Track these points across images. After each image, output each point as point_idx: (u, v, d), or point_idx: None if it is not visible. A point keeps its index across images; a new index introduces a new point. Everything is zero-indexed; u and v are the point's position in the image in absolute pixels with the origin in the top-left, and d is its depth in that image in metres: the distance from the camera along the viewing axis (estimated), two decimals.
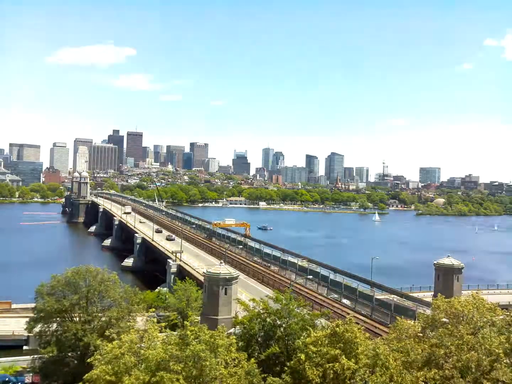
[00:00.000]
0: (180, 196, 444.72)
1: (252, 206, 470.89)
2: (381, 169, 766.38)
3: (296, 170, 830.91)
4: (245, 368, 28.66)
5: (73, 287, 44.68)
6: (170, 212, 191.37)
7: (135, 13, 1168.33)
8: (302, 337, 33.18)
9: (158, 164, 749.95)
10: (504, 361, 27.05)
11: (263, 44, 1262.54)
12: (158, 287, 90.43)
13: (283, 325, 35.50)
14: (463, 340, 28.51)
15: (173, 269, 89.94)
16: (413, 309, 52.23)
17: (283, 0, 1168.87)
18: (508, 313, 33.23)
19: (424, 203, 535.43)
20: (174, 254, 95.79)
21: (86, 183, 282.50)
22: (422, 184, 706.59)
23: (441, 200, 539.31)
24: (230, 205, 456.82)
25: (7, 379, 49.42)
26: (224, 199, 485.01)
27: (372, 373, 26.56)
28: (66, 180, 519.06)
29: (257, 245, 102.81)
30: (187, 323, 30.13)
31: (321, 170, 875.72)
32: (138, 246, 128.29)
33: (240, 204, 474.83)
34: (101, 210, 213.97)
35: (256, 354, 34.08)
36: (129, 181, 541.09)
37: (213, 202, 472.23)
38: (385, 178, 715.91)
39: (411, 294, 70.98)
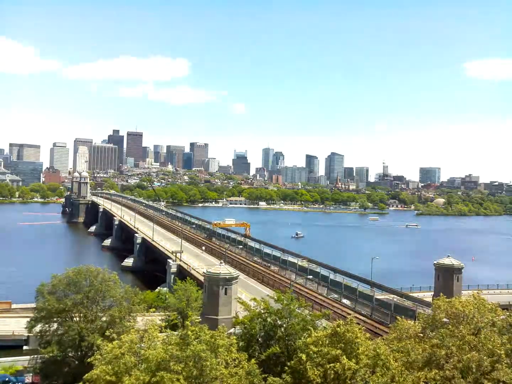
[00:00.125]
0: (180, 196, 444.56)
1: (252, 206, 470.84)
2: (381, 169, 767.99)
3: (296, 170, 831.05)
4: (246, 368, 28.64)
5: (74, 287, 44.71)
6: (170, 212, 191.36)
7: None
8: (303, 337, 33.15)
9: (158, 164, 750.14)
10: (505, 361, 27.02)
11: (263, 44, 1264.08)
12: (158, 287, 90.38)
13: (284, 325, 35.46)
14: (464, 340, 28.49)
15: (173, 269, 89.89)
16: (413, 309, 52.21)
17: (283, 0, 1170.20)
18: (509, 313, 33.20)
19: (424, 203, 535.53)
20: (174, 254, 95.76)
21: (86, 183, 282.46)
22: (422, 184, 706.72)
23: (441, 200, 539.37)
24: (230, 205, 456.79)
25: (7, 379, 49.38)
26: (224, 199, 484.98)
27: (372, 373, 26.55)
28: (66, 180, 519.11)
29: (257, 245, 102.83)
30: (188, 323, 30.11)
31: (321, 170, 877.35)
32: (138, 246, 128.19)
33: (240, 204, 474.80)
34: (101, 210, 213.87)
35: (257, 354, 34.05)
36: (129, 181, 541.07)
37: (213, 202, 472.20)
38: (385, 178, 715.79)
39: (411, 294, 70.95)
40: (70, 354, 43.69)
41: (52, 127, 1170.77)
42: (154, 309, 56.01)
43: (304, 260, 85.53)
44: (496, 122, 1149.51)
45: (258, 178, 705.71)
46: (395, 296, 62.66)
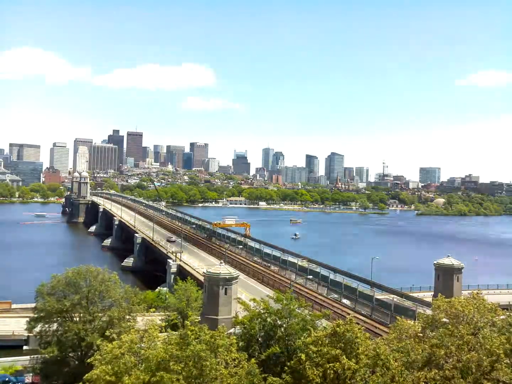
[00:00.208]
0: (180, 196, 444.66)
1: (252, 206, 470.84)
2: (381, 169, 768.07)
3: (296, 170, 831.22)
4: (246, 368, 28.64)
5: (74, 287, 44.70)
6: (170, 212, 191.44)
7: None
8: (302, 337, 33.15)
9: (158, 164, 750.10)
10: (505, 361, 26.99)
11: (263, 44, 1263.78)
12: (158, 287, 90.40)
13: (284, 325, 35.45)
14: (463, 340, 28.49)
15: (173, 269, 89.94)
16: (413, 309, 52.21)
17: (283, 0, 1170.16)
18: (509, 313, 33.20)
19: (424, 203, 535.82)
20: (174, 254, 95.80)
21: (86, 183, 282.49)
22: (422, 184, 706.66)
23: (441, 200, 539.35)
24: (230, 205, 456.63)
25: (7, 379, 49.41)
26: (224, 199, 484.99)
27: (372, 373, 26.56)
28: (66, 180, 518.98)
29: (257, 245, 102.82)
30: (188, 322, 30.11)
31: (321, 170, 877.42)
32: (138, 246, 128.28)
33: (240, 204, 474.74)
34: (101, 210, 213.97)
35: (257, 354, 34.05)
36: (129, 181, 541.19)
37: (213, 202, 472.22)
38: (385, 178, 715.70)
39: (411, 294, 70.90)
40: (70, 354, 43.71)
41: (52, 127, 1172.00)
42: (154, 309, 55.97)
43: (304, 260, 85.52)
44: (496, 122, 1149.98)
45: (258, 178, 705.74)
46: (395, 296, 62.61)
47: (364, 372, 26.30)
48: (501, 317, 32.37)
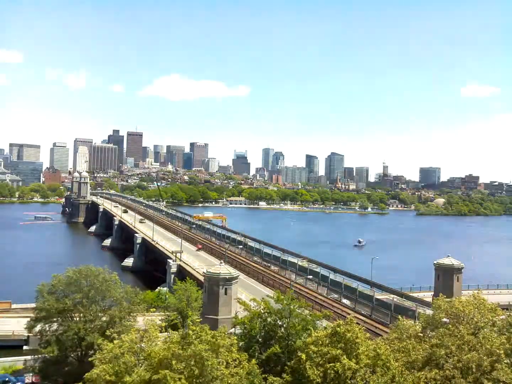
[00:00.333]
0: (180, 196, 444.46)
1: (252, 206, 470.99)
2: (381, 169, 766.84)
3: (296, 170, 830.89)
4: (246, 368, 28.65)
5: (74, 287, 44.70)
6: (170, 212, 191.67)
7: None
8: (303, 337, 33.15)
9: (158, 164, 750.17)
10: (505, 361, 27.05)
11: (263, 44, 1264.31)
12: (158, 287, 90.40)
13: (284, 325, 35.45)
14: (463, 340, 28.51)
15: (173, 269, 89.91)
16: (413, 309, 52.25)
17: (282, 1, 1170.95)
18: (509, 313, 33.23)
19: (424, 203, 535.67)
20: (174, 254, 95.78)
21: (86, 183, 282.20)
22: (422, 184, 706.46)
23: (441, 200, 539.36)
24: (230, 205, 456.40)
25: (7, 379, 49.38)
26: (224, 199, 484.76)
27: (373, 373, 26.56)
28: (66, 180, 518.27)
29: (257, 245, 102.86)
30: (189, 322, 30.12)
31: (321, 170, 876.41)
32: (138, 246, 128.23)
33: (240, 204, 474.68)
34: (101, 210, 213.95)
35: (257, 354, 34.06)
36: (129, 181, 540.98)
37: (213, 202, 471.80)
38: (385, 178, 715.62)
39: (411, 294, 70.94)
40: (70, 354, 43.70)
41: (52, 127, 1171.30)
42: (154, 309, 56.08)
43: (304, 260, 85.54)
44: (496, 122, 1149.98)
45: (258, 178, 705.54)
46: (395, 296, 62.66)
47: (364, 372, 26.30)
48: (501, 317, 32.39)
